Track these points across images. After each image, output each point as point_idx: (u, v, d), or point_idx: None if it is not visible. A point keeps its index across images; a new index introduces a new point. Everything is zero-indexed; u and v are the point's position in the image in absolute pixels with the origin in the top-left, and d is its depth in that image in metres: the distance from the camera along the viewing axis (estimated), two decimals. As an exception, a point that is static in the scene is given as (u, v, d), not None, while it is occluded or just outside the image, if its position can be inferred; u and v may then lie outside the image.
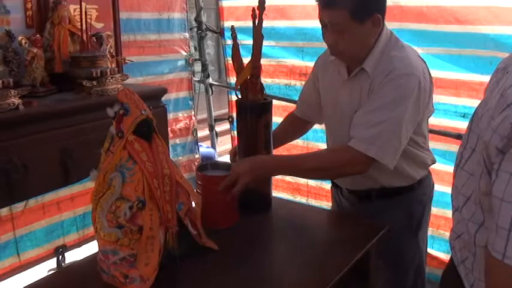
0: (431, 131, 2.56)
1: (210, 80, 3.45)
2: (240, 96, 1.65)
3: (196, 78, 3.33)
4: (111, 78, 2.08)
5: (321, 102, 1.81)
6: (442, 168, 2.59)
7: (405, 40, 2.57)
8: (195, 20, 3.31)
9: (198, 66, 3.45)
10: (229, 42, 3.28)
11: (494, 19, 2.30)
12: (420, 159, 1.73)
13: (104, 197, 1.24)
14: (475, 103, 2.42)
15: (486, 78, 2.37)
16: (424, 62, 1.64)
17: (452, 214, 1.16)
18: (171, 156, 3.06)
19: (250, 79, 1.58)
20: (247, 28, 3.14)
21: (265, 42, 2.81)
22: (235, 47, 1.67)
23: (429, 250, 2.74)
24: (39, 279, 1.36)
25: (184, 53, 3.13)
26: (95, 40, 2.18)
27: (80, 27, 2.07)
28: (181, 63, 3.12)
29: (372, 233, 1.52)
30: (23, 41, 1.86)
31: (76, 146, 1.82)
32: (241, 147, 1.65)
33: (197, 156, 3.27)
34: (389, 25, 2.60)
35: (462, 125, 2.49)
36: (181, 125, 3.15)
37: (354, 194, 1.80)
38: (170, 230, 1.27)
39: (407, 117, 1.54)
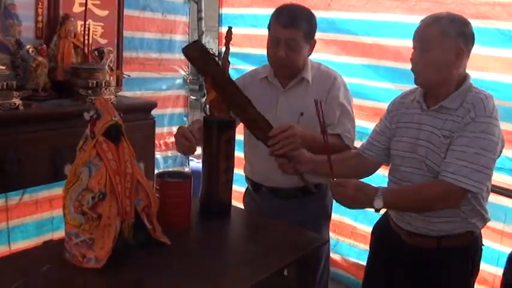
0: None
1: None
2: (208, 113, 1.87)
3: (193, 97, 3.56)
4: (106, 89, 2.31)
5: None
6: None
7: (381, 76, 2.81)
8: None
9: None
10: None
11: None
12: None
13: (73, 187, 1.45)
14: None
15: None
16: None
17: None
18: (161, 167, 3.29)
19: (217, 98, 1.80)
20: (242, 54, 3.41)
21: (255, 67, 3.04)
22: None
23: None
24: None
25: (183, 73, 3.39)
26: (96, 54, 2.42)
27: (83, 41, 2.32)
28: (179, 81, 3.37)
29: (310, 244, 1.71)
30: (30, 50, 2.11)
31: (66, 147, 2.00)
32: (204, 160, 1.85)
33: (187, 169, 3.48)
34: (368, 61, 2.85)
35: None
36: (174, 139, 3.36)
37: (276, 192, 2.17)
38: (126, 220, 1.47)
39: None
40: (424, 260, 1.79)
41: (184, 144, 1.84)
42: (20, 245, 2.57)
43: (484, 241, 1.86)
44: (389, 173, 1.89)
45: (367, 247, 2.95)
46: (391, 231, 1.88)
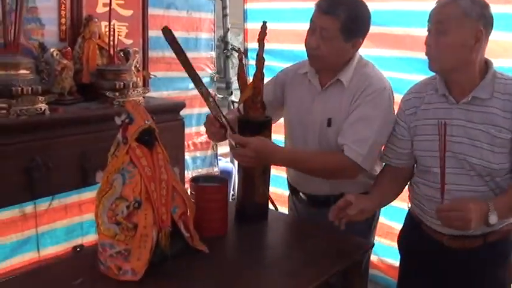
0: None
1: (233, 97, 3.61)
2: (242, 113, 1.78)
3: (220, 95, 3.48)
4: (133, 90, 2.25)
5: (286, 112, 1.96)
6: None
7: (416, 68, 2.68)
8: (222, 40, 3.48)
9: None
10: (252, 62, 3.44)
11: (505, 52, 2.37)
12: (374, 173, 1.88)
13: (106, 196, 1.38)
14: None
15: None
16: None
17: None
18: (190, 168, 3.22)
19: (251, 98, 1.71)
20: (269, 50, 3.30)
21: (285, 64, 2.95)
22: (241, 67, 1.80)
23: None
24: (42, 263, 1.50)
25: (210, 71, 3.31)
26: (122, 55, 2.36)
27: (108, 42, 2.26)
28: (206, 80, 3.29)
29: (357, 250, 1.61)
30: (55, 53, 2.05)
31: (95, 151, 1.96)
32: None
33: (216, 169, 3.41)
34: (401, 53, 2.73)
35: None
36: (202, 138, 3.30)
37: (312, 199, 1.95)
38: (163, 230, 1.40)
39: (385, 129, 1.76)
40: (467, 259, 1.67)
41: (214, 131, 1.76)
42: (49, 250, 2.53)
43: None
44: (417, 176, 1.74)
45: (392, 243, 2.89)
46: (427, 236, 1.74)
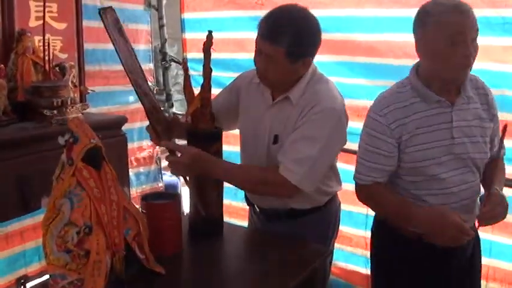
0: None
1: (174, 110, 3.54)
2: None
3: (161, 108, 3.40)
4: (72, 107, 2.14)
5: (240, 122, 1.92)
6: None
7: (355, 73, 2.73)
8: (160, 51, 3.41)
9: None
10: (192, 72, 3.38)
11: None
12: (328, 189, 1.88)
13: (54, 223, 1.29)
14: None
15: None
16: (342, 96, 1.81)
17: None
18: (134, 184, 3.12)
19: (200, 109, 1.67)
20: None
21: (226, 73, 2.92)
22: (186, 78, 1.75)
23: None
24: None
25: (150, 83, 3.21)
26: (57, 70, 2.24)
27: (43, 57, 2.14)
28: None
29: (316, 256, 1.60)
30: (-14, 72, 1.92)
31: (36, 174, 1.85)
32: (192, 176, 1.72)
33: (161, 184, 3.32)
34: (341, 58, 2.77)
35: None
36: (145, 153, 3.21)
37: (264, 213, 1.91)
38: (117, 254, 1.33)
39: (330, 150, 1.72)
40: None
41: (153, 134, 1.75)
42: (-9, 284, 2.38)
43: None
44: (416, 189, 1.67)
45: (354, 250, 2.92)
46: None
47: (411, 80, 1.67)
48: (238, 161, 1.95)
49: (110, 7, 1.60)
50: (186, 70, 1.76)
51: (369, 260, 1.97)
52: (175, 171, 1.70)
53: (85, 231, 1.27)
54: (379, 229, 1.87)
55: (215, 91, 1.91)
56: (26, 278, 2.46)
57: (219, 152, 1.71)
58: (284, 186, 1.66)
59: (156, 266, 1.45)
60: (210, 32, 1.68)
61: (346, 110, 1.79)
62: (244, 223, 2.14)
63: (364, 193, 1.74)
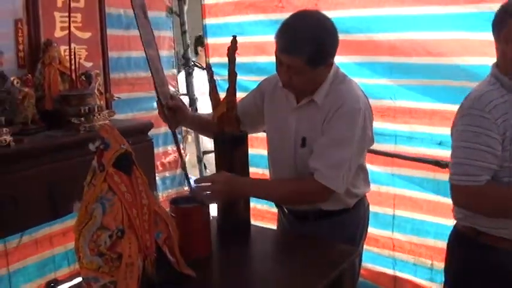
0: (411, 159, 2.68)
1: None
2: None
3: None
4: (99, 114, 2.18)
5: (266, 124, 1.94)
6: (420, 197, 2.69)
7: (378, 73, 2.72)
8: (183, 57, 3.45)
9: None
10: (216, 77, 3.41)
11: (464, 51, 2.41)
12: (356, 191, 1.87)
13: (86, 227, 1.32)
14: (449, 131, 2.54)
15: (457, 107, 2.49)
16: (366, 96, 1.82)
17: None
18: (160, 189, 3.16)
19: (226, 113, 1.69)
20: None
21: (247, 77, 2.94)
22: (212, 83, 1.78)
23: (412, 277, 2.81)
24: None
25: (173, 89, 3.26)
26: (84, 78, 2.29)
27: (69, 66, 2.19)
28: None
29: (345, 256, 1.60)
30: (15, 82, 1.97)
31: (65, 181, 1.89)
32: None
33: (186, 188, 3.35)
34: (363, 58, 2.77)
35: (439, 152, 2.58)
36: (170, 158, 3.24)
37: (293, 214, 1.92)
38: (149, 257, 1.35)
39: (357, 151, 1.72)
40: None
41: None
42: (22, 288, 2.43)
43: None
44: None
45: (381, 251, 2.90)
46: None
47: (498, 78, 1.65)
48: (263, 163, 1.97)
49: None
50: (211, 75, 1.79)
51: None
52: (213, 200, 1.70)
53: (117, 235, 1.30)
54: (462, 240, 1.79)
55: (238, 94, 1.92)
56: (56, 282, 2.51)
57: (245, 155, 1.73)
58: (321, 193, 1.69)
59: (187, 269, 1.47)
60: (234, 37, 1.72)
61: (370, 108, 1.80)
62: (271, 225, 2.15)
63: (472, 195, 1.63)
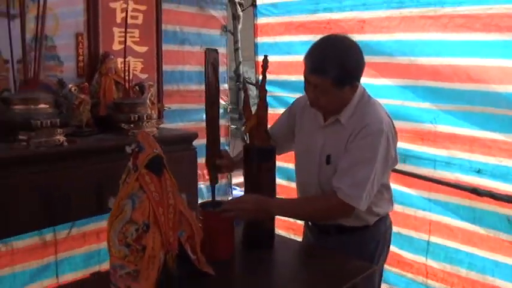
0: (449, 185, 2.67)
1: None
2: (248, 142, 1.87)
3: (233, 126, 3.59)
4: (147, 122, 2.36)
5: (295, 141, 2.03)
6: (455, 224, 2.68)
7: (420, 96, 2.76)
8: (234, 72, 3.61)
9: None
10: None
11: (507, 78, 2.41)
12: (378, 210, 1.92)
13: (117, 220, 1.47)
14: (489, 160, 2.54)
15: (498, 136, 2.48)
16: (389, 117, 1.88)
17: None
18: (205, 196, 3.30)
19: (256, 126, 1.80)
20: (279, 81, 3.44)
21: (294, 94, 3.05)
22: (246, 98, 1.90)
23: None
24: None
25: (223, 102, 3.43)
26: (137, 89, 2.48)
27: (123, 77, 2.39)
28: (220, 111, 3.39)
29: (358, 272, 1.67)
30: (73, 88, 2.18)
31: (110, 180, 2.04)
32: (246, 189, 1.86)
33: (230, 198, 3.48)
34: (406, 82, 2.81)
35: (477, 180, 2.57)
36: (216, 168, 3.39)
37: (316, 228, 2.01)
38: (170, 252, 1.48)
39: (380, 170, 1.78)
40: None
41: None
42: (67, 277, 2.62)
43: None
44: None
45: (415, 277, 2.89)
46: None
47: None
48: (290, 176, 2.06)
49: (215, 50, 1.83)
50: (245, 91, 1.91)
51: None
52: (240, 218, 1.81)
53: (143, 229, 1.44)
54: None
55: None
56: (100, 274, 2.69)
57: (272, 169, 1.83)
58: (344, 210, 1.77)
59: (206, 267, 1.59)
60: (265, 57, 1.84)
61: (395, 129, 1.87)
62: (298, 237, 2.23)
63: None
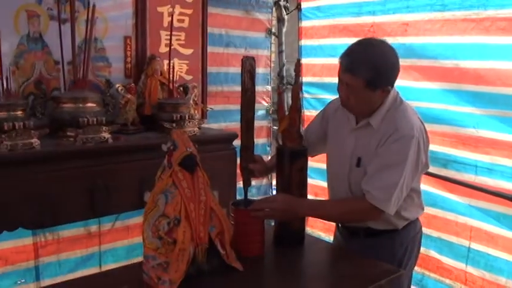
0: (489, 192, 2.62)
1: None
2: (281, 143, 1.92)
3: (275, 127, 3.65)
4: (189, 122, 2.45)
5: (327, 142, 2.05)
6: (496, 232, 2.63)
7: (463, 100, 2.72)
8: (278, 74, 3.67)
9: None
10: (306, 95, 3.59)
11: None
12: (407, 214, 1.92)
13: (151, 213, 1.56)
14: (531, 167, 2.47)
15: (542, 142, 2.41)
16: (422, 122, 1.87)
17: None
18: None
19: (288, 128, 1.85)
20: (322, 83, 3.46)
21: (335, 96, 3.05)
22: (280, 100, 1.96)
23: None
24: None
25: (266, 104, 3.50)
26: (181, 90, 2.59)
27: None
28: (262, 112, 3.48)
29: (384, 275, 1.69)
30: (120, 88, 2.31)
31: (152, 176, 2.16)
32: (278, 189, 1.91)
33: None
34: (449, 85, 2.78)
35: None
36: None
37: (346, 230, 2.03)
38: (200, 246, 1.56)
39: (410, 175, 1.79)
40: None
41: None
42: (110, 267, 2.73)
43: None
44: None
45: (453, 283, 2.86)
46: None
47: None
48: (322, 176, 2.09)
49: (252, 58, 1.87)
50: (279, 94, 1.97)
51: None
52: (270, 217, 1.89)
53: (174, 223, 1.52)
54: None
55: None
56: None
57: (303, 169, 1.87)
58: (372, 213, 1.80)
59: (235, 262, 1.65)
60: (298, 60, 1.88)
61: (427, 134, 1.87)
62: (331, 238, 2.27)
63: None
